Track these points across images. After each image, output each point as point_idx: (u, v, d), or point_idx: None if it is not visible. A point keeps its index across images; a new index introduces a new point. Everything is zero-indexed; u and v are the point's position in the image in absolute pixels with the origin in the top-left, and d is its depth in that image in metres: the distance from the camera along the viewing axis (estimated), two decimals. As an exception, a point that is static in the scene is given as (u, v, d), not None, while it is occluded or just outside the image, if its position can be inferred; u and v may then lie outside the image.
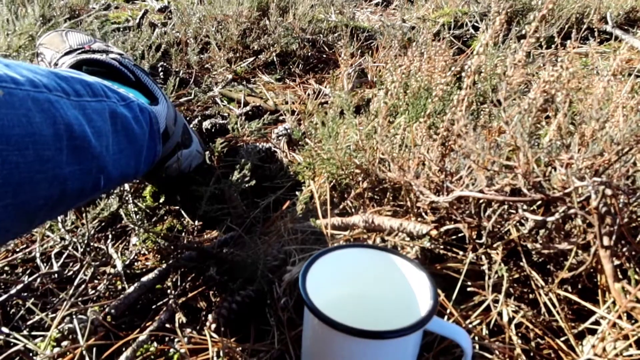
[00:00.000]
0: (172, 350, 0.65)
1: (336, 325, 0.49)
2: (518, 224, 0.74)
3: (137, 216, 0.88)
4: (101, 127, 0.66)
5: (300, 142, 1.09)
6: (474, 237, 0.76)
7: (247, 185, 0.83)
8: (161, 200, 0.94)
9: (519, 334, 0.67)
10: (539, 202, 0.71)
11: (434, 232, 0.73)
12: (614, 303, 0.64)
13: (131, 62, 1.01)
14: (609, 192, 0.57)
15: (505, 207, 0.74)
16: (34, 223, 0.58)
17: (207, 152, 1.01)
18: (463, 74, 0.78)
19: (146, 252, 0.84)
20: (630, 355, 0.59)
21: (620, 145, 0.65)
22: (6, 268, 0.80)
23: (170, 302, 0.72)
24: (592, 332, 0.66)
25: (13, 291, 0.72)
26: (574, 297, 0.67)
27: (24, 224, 0.55)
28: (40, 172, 0.53)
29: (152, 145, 0.81)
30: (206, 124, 1.21)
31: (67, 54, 1.05)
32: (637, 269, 0.64)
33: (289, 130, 1.16)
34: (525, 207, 0.71)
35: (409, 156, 0.86)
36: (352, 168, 0.91)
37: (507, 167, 0.70)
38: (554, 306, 0.68)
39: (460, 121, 0.71)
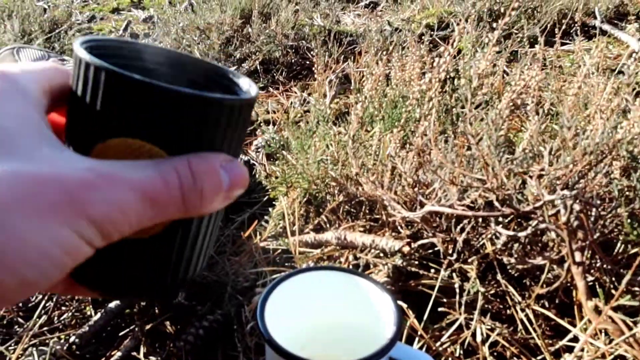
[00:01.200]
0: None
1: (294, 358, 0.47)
2: (494, 236, 0.72)
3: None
4: None
5: (277, 155, 1.07)
6: (449, 251, 0.74)
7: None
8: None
9: (495, 353, 0.64)
10: (512, 216, 0.68)
11: (406, 249, 0.71)
12: (590, 320, 0.62)
13: None
14: (577, 207, 0.55)
15: (479, 220, 0.72)
16: None
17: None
18: (434, 77, 0.76)
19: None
20: (607, 376, 0.57)
21: (592, 155, 0.63)
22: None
23: (137, 329, 0.70)
24: (570, 349, 0.63)
25: (-26, 323, 0.70)
26: (551, 314, 0.65)
27: None
28: None
29: None
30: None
31: None
32: (613, 284, 0.62)
33: (267, 142, 1.14)
34: (499, 219, 0.69)
35: (383, 169, 0.83)
36: (327, 180, 0.89)
37: (480, 179, 0.68)
38: (531, 323, 0.66)
39: (427, 134, 0.68)
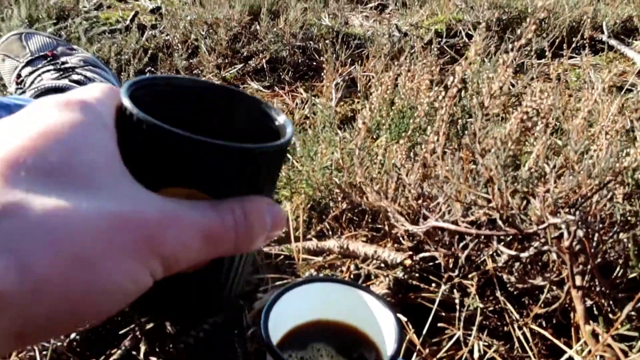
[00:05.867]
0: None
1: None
2: (495, 253, 0.73)
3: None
4: None
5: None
6: (450, 266, 0.75)
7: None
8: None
9: (491, 370, 0.65)
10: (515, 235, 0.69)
11: (408, 262, 0.72)
12: (586, 342, 0.63)
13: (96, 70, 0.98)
14: (581, 233, 0.55)
15: (482, 237, 0.72)
16: None
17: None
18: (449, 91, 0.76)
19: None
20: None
21: (597, 179, 0.63)
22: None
23: (136, 329, 0.71)
24: (565, 370, 0.64)
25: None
26: (547, 334, 0.66)
27: None
28: None
29: None
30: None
31: (29, 63, 1.03)
32: (610, 308, 0.63)
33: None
34: (502, 238, 0.70)
35: (388, 179, 0.84)
36: (332, 187, 0.90)
37: (485, 197, 0.69)
38: (528, 342, 0.67)
39: (436, 150, 0.69)
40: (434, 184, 0.76)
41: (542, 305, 0.67)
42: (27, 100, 0.65)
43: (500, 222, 0.66)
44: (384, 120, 0.93)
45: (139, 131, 0.25)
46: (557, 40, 1.60)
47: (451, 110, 0.87)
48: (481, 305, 0.69)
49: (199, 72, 1.58)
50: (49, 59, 1.04)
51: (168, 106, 0.28)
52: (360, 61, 1.53)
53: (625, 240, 0.63)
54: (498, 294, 0.71)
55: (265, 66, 1.58)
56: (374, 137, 1.03)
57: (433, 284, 0.74)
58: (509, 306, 0.70)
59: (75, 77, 0.95)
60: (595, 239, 0.61)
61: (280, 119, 0.31)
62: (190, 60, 1.61)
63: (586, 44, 1.35)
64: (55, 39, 1.12)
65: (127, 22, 1.85)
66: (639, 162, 0.60)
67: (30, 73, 1.01)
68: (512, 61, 0.61)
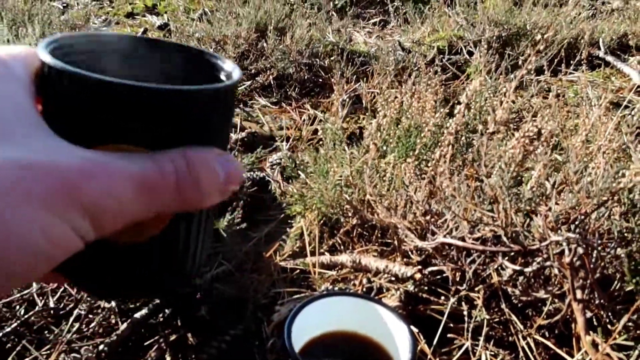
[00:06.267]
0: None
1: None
2: (500, 268, 0.77)
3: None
4: None
5: (293, 174, 1.12)
6: (458, 279, 0.79)
7: (237, 227, 0.86)
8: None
9: (497, 379, 0.69)
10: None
11: (417, 276, 0.76)
12: (586, 352, 0.67)
13: None
14: (581, 250, 0.60)
15: (487, 252, 0.77)
16: None
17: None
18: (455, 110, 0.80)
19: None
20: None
21: (595, 199, 0.68)
22: (4, 302, 0.82)
23: (161, 340, 0.74)
24: (567, 378, 0.68)
25: (8, 329, 0.74)
26: (550, 344, 0.70)
27: None
28: None
29: None
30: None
31: None
32: (609, 319, 0.67)
33: (282, 160, 1.19)
34: (506, 253, 0.74)
35: (397, 196, 0.88)
36: (343, 204, 0.94)
37: (490, 215, 0.73)
38: (532, 351, 0.71)
39: (444, 173, 0.73)
40: (442, 201, 0.80)
41: (545, 316, 0.71)
42: None
43: (505, 239, 0.70)
44: (392, 139, 0.98)
45: (61, 85, 0.22)
46: (556, 58, 1.65)
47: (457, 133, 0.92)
48: (487, 317, 0.73)
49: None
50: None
51: (93, 63, 0.25)
52: (365, 78, 1.58)
53: (622, 255, 0.67)
54: (503, 306, 0.75)
55: (272, 82, 1.63)
56: (381, 153, 1.07)
57: (442, 297, 0.78)
58: (514, 317, 0.74)
59: None
60: (595, 255, 0.65)
61: (227, 66, 0.28)
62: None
63: (583, 62, 1.40)
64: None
65: (137, 39, 1.90)
66: (634, 182, 0.65)
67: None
68: (507, 70, 0.66)
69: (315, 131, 1.37)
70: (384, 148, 1.05)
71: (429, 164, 0.86)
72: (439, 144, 0.86)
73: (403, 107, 1.08)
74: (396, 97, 0.93)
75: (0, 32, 1.62)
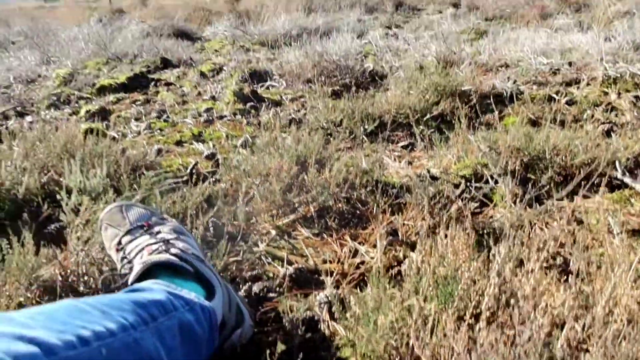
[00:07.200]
0: None
1: None
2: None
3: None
4: (171, 344, 0.83)
5: (340, 316, 1.22)
6: None
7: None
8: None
9: None
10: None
11: None
12: None
13: (189, 253, 1.17)
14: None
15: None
16: None
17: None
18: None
19: None
20: None
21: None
22: None
23: None
24: None
25: None
26: None
27: None
28: None
29: (210, 339, 0.96)
30: (255, 289, 1.37)
31: (128, 232, 1.23)
32: None
33: (329, 298, 1.30)
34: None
35: (439, 344, 0.98)
36: (389, 349, 1.04)
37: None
38: None
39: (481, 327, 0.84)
40: (480, 355, 0.90)
41: None
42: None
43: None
44: (431, 287, 1.09)
45: None
46: (573, 179, 1.77)
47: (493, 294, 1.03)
48: None
49: (255, 220, 1.79)
50: (145, 228, 1.25)
51: None
52: (399, 210, 1.72)
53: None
54: None
55: (313, 213, 1.78)
56: (424, 298, 1.18)
57: None
58: None
59: (173, 250, 1.15)
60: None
61: None
62: (246, 208, 1.83)
63: (601, 185, 1.52)
64: (149, 210, 1.34)
65: (188, 171, 2.11)
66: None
67: (130, 241, 1.22)
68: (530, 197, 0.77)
69: (357, 265, 1.49)
70: (424, 293, 1.16)
71: (467, 313, 0.97)
72: (477, 289, 0.97)
73: (439, 252, 1.20)
74: (435, 258, 1.05)
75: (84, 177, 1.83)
